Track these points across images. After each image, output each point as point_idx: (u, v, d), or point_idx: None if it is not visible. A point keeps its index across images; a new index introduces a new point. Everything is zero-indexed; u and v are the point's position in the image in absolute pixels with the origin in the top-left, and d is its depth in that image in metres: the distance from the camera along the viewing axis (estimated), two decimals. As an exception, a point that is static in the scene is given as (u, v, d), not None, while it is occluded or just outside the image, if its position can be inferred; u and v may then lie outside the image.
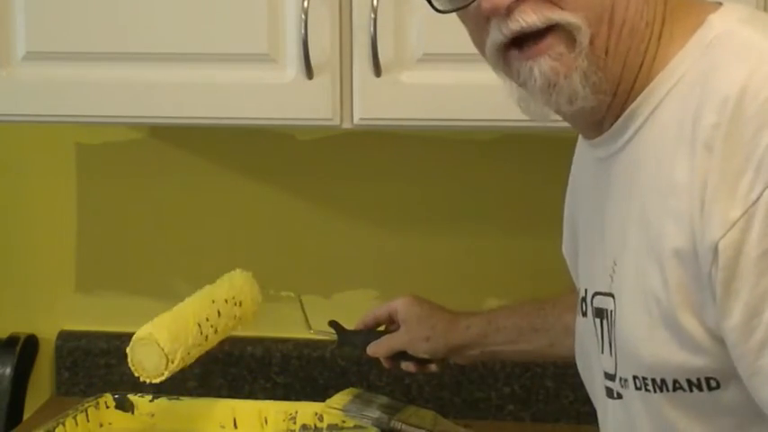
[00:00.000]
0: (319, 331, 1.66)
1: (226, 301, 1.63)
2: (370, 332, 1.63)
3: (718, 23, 1.07)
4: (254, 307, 1.69)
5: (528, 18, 1.04)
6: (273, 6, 1.50)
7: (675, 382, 1.06)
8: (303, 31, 1.47)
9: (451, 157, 1.83)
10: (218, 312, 1.62)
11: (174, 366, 1.55)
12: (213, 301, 1.62)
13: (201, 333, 1.59)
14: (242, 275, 1.68)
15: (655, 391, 1.08)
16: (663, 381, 1.07)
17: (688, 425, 1.08)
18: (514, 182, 1.83)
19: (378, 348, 1.60)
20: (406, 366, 1.60)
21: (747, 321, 0.98)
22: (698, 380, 1.05)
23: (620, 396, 1.14)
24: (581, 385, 1.31)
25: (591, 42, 1.05)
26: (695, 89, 1.04)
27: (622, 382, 1.13)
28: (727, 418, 1.05)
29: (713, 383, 1.05)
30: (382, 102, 1.50)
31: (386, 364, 1.62)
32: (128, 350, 1.55)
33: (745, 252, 0.97)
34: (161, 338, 1.53)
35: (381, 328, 1.64)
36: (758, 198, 0.97)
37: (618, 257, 1.12)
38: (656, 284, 1.05)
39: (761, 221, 0.97)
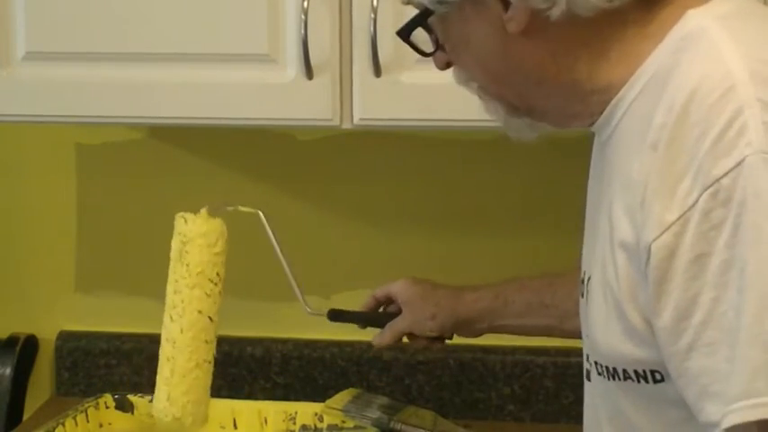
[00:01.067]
0: (313, 311, 1.62)
1: (207, 294, 1.55)
2: (374, 314, 1.61)
3: (694, 19, 1.05)
4: (221, 245, 1.57)
5: (455, 77, 1.17)
6: (273, 6, 1.50)
7: (625, 371, 1.07)
8: (303, 31, 1.47)
9: (451, 157, 1.83)
10: (210, 319, 1.56)
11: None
12: (200, 312, 1.55)
13: (210, 361, 1.57)
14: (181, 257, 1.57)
15: (609, 379, 1.09)
16: (614, 369, 1.08)
17: (636, 414, 1.08)
18: (514, 182, 1.83)
19: (383, 338, 1.59)
20: (417, 344, 1.58)
21: (676, 324, 0.98)
22: (644, 371, 1.05)
23: (589, 379, 1.16)
24: (581, 385, 1.31)
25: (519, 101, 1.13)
26: (658, 86, 1.04)
27: (589, 365, 1.15)
28: (674, 411, 1.05)
29: (658, 376, 1.05)
30: (382, 102, 1.50)
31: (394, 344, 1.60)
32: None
33: (678, 255, 0.97)
34: (187, 421, 1.55)
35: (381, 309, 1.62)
36: (694, 203, 0.96)
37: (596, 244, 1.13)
38: (611, 274, 1.06)
39: (695, 227, 0.96)
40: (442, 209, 1.86)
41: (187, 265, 1.54)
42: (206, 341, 1.55)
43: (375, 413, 1.61)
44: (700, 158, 0.96)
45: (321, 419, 1.65)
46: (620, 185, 1.06)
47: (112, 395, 1.71)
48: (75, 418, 1.62)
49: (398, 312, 1.58)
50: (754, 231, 0.93)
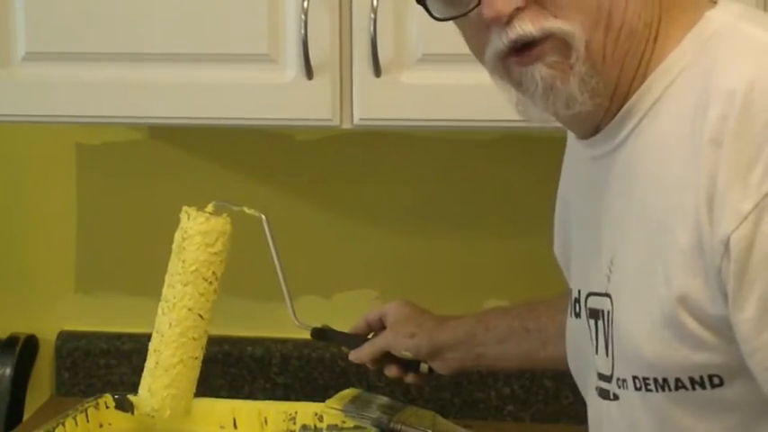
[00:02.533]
0: (300, 324, 1.62)
1: (201, 294, 1.56)
2: (358, 336, 1.62)
3: (717, 19, 1.07)
4: (220, 244, 1.56)
5: (526, 27, 1.06)
6: (273, 6, 1.50)
7: (678, 380, 1.06)
8: (303, 31, 1.47)
9: (451, 156, 1.83)
10: (200, 316, 1.56)
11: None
12: (190, 309, 1.56)
13: (196, 357, 1.58)
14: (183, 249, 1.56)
15: (656, 391, 1.08)
16: (665, 380, 1.07)
17: (692, 422, 1.07)
18: (514, 182, 1.83)
19: (359, 353, 1.60)
20: (389, 370, 1.59)
21: (761, 315, 0.98)
22: (700, 377, 1.05)
23: (616, 397, 1.14)
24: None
25: (587, 48, 1.06)
26: (696, 84, 1.04)
27: (620, 382, 1.12)
28: (732, 416, 1.05)
29: (716, 380, 1.04)
30: (382, 102, 1.50)
31: (370, 366, 1.61)
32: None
33: (758, 245, 0.97)
34: (164, 413, 1.57)
35: (370, 336, 1.63)
36: None
37: (616, 257, 1.12)
38: (658, 282, 1.05)
39: None
40: (442, 208, 1.86)
41: (183, 261, 1.55)
42: (193, 338, 1.56)
43: (375, 413, 1.61)
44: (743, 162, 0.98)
45: (321, 419, 1.65)
46: (658, 190, 1.05)
47: (112, 395, 1.71)
48: (75, 418, 1.62)
49: None
50: None
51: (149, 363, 1.58)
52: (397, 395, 1.80)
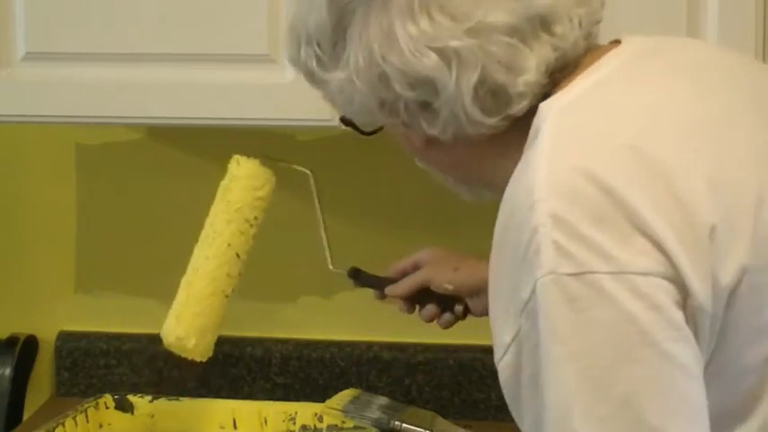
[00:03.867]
0: (336, 269, 1.62)
1: (241, 232, 1.57)
2: (393, 279, 1.57)
3: (540, 115, 1.04)
4: (265, 191, 1.60)
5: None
6: (273, 6, 1.50)
7: None
8: (303, 32, 1.47)
9: (452, 157, 1.83)
10: (237, 255, 1.57)
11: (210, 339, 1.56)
12: (229, 245, 1.56)
13: (227, 295, 1.57)
14: (237, 176, 1.59)
15: None
16: None
17: None
18: (515, 182, 1.82)
19: (396, 288, 1.55)
20: (426, 310, 1.53)
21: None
22: None
23: None
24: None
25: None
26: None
27: None
28: None
29: None
30: (382, 102, 1.50)
31: (404, 307, 1.56)
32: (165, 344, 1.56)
33: (518, 375, 0.98)
34: (189, 342, 1.53)
35: None
36: (518, 330, 0.97)
37: None
38: None
39: (521, 348, 0.97)
40: (443, 208, 1.85)
41: (228, 201, 1.57)
42: (228, 274, 1.56)
43: (375, 413, 1.61)
44: (515, 280, 0.98)
45: (321, 420, 1.65)
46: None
47: (112, 395, 1.71)
48: (75, 418, 1.62)
49: None
50: (546, 355, 0.94)
51: (179, 296, 1.55)
52: (397, 395, 1.80)
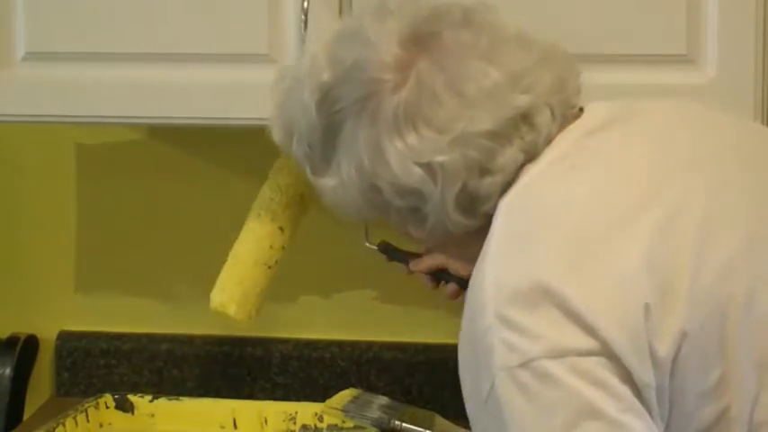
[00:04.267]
0: (370, 244, 1.66)
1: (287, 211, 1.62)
2: (419, 255, 1.60)
3: (498, 208, 1.11)
4: None
5: None
6: (273, 6, 1.50)
7: None
8: (303, 31, 1.47)
9: (452, 157, 1.83)
10: (281, 229, 1.61)
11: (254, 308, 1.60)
12: (273, 219, 1.61)
13: (270, 266, 1.61)
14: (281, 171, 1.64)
15: None
16: None
17: None
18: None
19: (418, 263, 1.59)
20: (450, 289, 1.57)
21: None
22: None
23: None
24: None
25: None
26: None
27: None
28: None
29: None
30: (382, 102, 1.50)
31: (427, 282, 1.60)
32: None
33: None
34: (230, 309, 1.57)
35: None
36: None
37: None
38: None
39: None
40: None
41: (278, 181, 1.62)
42: (271, 246, 1.60)
43: (375, 413, 1.61)
44: (475, 379, 1.03)
45: (321, 419, 1.65)
46: None
47: (112, 395, 1.71)
48: (75, 418, 1.62)
49: None
50: None
51: (225, 265, 1.60)
52: (397, 395, 1.80)
